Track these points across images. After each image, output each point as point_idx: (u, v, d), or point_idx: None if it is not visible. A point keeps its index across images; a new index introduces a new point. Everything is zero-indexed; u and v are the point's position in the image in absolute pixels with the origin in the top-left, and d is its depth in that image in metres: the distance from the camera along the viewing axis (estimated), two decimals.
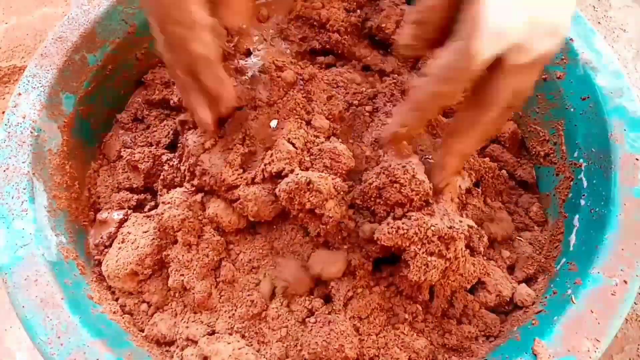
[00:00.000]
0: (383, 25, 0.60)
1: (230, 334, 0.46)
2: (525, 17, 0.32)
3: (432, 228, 0.42)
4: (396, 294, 0.47)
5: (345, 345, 0.43)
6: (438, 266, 0.43)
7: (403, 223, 0.43)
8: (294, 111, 0.50)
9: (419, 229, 0.42)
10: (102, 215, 0.53)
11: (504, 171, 0.57)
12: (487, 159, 0.55)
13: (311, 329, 0.45)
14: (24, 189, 0.45)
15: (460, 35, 0.34)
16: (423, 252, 0.42)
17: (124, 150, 0.56)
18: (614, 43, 0.89)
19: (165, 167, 0.53)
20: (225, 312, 0.47)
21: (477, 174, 0.54)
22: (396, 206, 0.44)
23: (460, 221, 0.44)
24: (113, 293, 0.50)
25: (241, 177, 0.47)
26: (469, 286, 0.46)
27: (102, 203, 0.55)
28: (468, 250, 0.46)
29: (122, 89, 0.59)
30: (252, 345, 0.46)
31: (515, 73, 0.35)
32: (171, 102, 0.56)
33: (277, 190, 0.45)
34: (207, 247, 0.47)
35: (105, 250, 0.51)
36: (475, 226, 0.47)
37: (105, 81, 0.56)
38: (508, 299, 0.48)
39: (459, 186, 0.50)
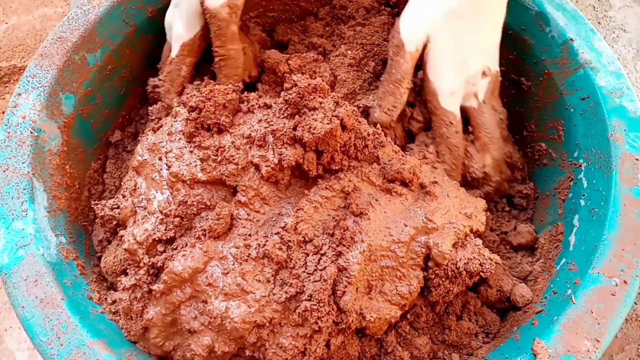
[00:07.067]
0: None
1: None
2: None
3: (464, 266, 0.43)
4: None
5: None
6: (457, 291, 0.45)
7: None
8: None
9: (449, 268, 0.43)
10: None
11: None
12: None
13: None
14: (24, 189, 0.45)
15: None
16: (447, 283, 0.44)
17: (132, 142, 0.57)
18: (614, 43, 0.89)
19: None
20: None
21: None
22: None
23: (490, 258, 0.45)
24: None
25: None
26: (471, 284, 0.46)
27: (107, 198, 0.55)
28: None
29: (122, 89, 0.58)
30: None
31: None
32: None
33: None
34: None
35: (108, 246, 0.51)
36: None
37: (105, 81, 0.56)
38: (509, 294, 0.49)
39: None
